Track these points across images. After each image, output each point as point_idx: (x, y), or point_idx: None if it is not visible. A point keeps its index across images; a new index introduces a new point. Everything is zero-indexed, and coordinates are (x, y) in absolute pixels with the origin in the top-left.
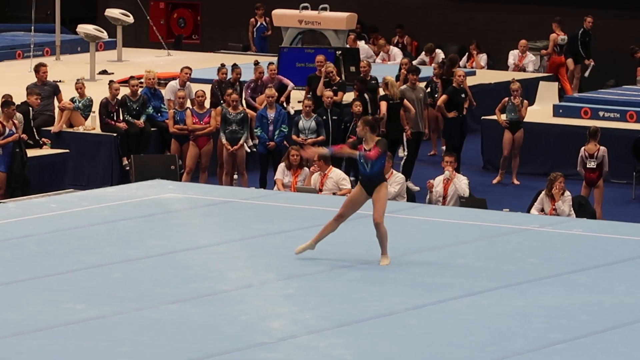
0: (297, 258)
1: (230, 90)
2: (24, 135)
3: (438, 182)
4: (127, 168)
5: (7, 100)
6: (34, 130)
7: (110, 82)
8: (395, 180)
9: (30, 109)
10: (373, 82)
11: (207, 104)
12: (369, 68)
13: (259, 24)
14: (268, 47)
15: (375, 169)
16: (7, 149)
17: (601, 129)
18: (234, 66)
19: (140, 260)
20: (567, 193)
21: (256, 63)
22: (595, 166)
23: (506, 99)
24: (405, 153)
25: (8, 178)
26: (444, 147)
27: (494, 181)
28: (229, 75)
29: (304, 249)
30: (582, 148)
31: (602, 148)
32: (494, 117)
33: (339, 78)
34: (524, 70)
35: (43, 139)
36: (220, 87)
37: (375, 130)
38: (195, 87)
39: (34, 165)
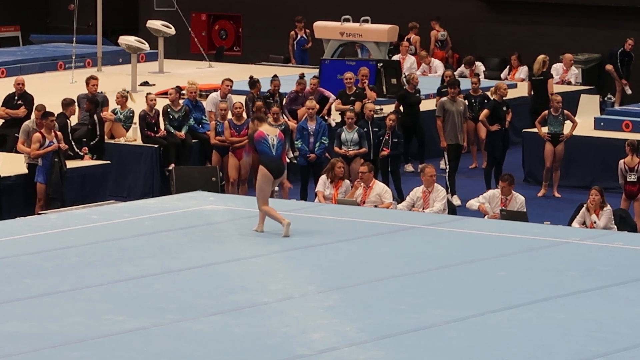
0: (338, 270)
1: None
2: (64, 145)
3: (494, 202)
4: (167, 173)
5: (47, 112)
6: (72, 142)
7: (148, 94)
8: (439, 196)
9: (68, 120)
10: (417, 95)
11: (245, 115)
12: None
13: (299, 36)
14: (308, 59)
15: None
16: (47, 160)
17: None
18: (274, 77)
19: (181, 271)
20: (608, 207)
21: (302, 76)
22: (635, 179)
23: (546, 111)
24: (448, 166)
25: (47, 189)
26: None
27: (539, 194)
28: (267, 87)
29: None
30: (622, 161)
31: None
32: (536, 129)
33: (355, 88)
34: (568, 83)
35: (84, 149)
36: (258, 100)
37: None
38: (236, 99)
39: (75, 177)
